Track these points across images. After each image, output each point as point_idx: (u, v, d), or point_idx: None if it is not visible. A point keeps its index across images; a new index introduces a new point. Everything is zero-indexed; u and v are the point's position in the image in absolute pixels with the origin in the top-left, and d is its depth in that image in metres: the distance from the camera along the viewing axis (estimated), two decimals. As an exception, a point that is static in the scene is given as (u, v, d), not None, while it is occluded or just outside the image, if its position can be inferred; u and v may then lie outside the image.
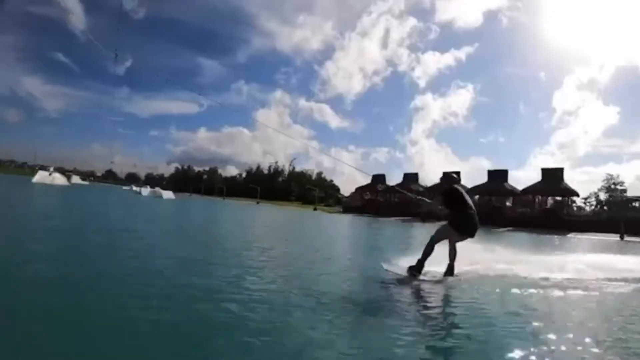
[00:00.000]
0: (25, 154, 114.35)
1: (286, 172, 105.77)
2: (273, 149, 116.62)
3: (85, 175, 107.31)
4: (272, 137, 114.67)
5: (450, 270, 6.01)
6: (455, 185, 6.19)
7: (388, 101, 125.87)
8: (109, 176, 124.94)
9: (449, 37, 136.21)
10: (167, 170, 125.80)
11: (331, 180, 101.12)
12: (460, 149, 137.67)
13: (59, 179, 51.49)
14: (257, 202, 76.05)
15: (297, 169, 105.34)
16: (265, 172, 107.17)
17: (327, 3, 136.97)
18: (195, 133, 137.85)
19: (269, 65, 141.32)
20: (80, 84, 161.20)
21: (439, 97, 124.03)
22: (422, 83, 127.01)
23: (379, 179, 70.89)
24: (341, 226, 24.71)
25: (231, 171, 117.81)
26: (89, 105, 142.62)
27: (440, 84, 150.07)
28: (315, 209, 70.88)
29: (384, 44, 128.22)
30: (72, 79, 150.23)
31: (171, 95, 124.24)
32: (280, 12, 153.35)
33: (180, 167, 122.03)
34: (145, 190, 50.32)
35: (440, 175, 9.30)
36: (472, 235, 5.96)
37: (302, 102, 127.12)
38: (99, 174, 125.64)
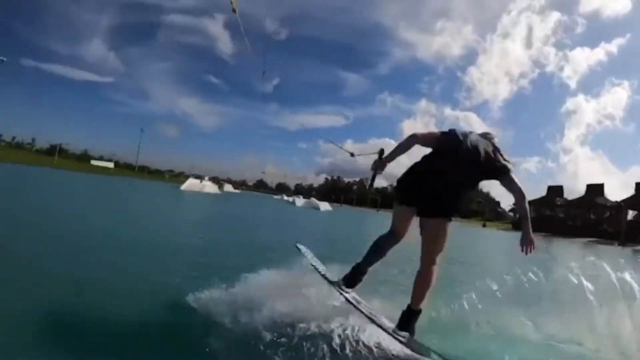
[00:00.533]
0: (183, 166, 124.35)
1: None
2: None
3: (238, 184, 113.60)
4: (420, 149, 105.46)
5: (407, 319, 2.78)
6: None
7: (537, 105, 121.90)
8: (260, 185, 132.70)
9: (597, 30, 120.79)
10: (316, 180, 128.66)
11: (488, 193, 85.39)
12: (617, 156, 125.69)
13: (209, 187, 49.45)
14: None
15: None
16: None
17: (464, 6, 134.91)
18: (342, 145, 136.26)
19: (412, 75, 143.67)
20: (232, 102, 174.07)
21: (591, 98, 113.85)
22: (572, 83, 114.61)
23: (555, 190, 63.75)
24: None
25: (380, 182, 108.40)
26: (241, 121, 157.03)
27: (592, 84, 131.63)
28: (484, 225, 62.68)
29: (528, 44, 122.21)
30: (224, 98, 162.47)
31: (318, 109, 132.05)
32: (417, 21, 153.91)
33: (329, 178, 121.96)
34: (299, 201, 48.24)
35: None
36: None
37: (448, 111, 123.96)
38: (250, 184, 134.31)
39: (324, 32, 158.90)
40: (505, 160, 2.73)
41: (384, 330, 2.72)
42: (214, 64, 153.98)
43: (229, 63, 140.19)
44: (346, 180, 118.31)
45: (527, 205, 2.66)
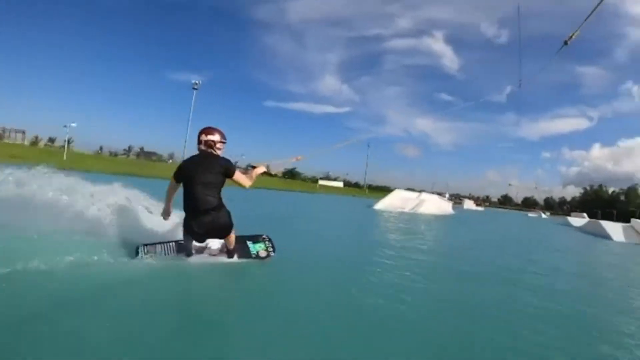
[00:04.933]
0: (424, 185, 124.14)
1: None
2: None
3: (481, 200, 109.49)
4: None
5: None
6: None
7: None
8: (505, 201, 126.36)
9: None
10: (564, 193, 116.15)
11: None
12: None
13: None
14: None
15: None
16: None
17: None
18: (588, 151, 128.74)
19: None
20: (467, 117, 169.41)
21: None
22: None
23: None
24: None
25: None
26: (478, 135, 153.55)
27: None
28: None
29: None
30: (459, 114, 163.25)
31: (555, 112, 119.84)
32: None
33: (589, 188, 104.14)
34: (578, 221, 37.70)
35: None
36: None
37: None
38: (494, 199, 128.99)
39: (548, 26, 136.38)
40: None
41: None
42: (442, 81, 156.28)
43: (457, 78, 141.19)
44: (611, 189, 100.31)
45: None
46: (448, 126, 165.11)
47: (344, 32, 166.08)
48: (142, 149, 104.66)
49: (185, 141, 54.86)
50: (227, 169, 3.92)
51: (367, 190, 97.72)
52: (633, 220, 21.19)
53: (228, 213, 4.02)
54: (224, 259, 4.49)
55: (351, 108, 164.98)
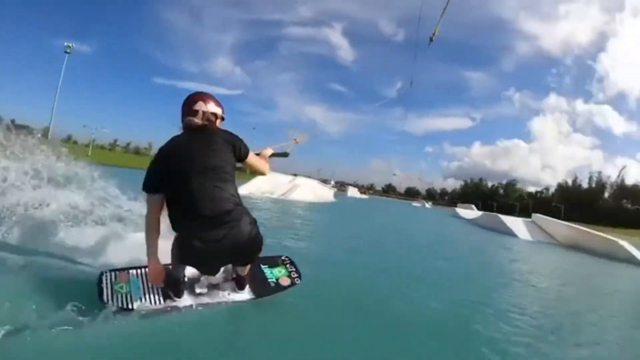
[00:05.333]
0: (310, 171, 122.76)
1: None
2: (553, 162, 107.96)
3: (365, 188, 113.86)
4: (552, 150, 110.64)
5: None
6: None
7: None
8: (389, 190, 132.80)
9: None
10: (445, 184, 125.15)
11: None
12: None
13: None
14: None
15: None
16: (586, 186, 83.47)
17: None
18: (469, 148, 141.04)
19: (538, 68, 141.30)
20: (357, 109, 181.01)
21: None
22: None
23: None
24: None
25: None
26: (366, 126, 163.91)
27: None
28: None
29: None
30: (350, 105, 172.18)
31: (442, 111, 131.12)
32: (538, 9, 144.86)
33: (469, 181, 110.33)
34: (468, 213, 34.54)
35: None
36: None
37: (580, 106, 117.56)
38: (378, 188, 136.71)
39: (443, 31, 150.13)
40: None
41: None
42: (337, 72, 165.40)
43: (351, 70, 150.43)
44: (490, 183, 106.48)
45: None
46: (338, 116, 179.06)
47: (243, 13, 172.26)
48: (13, 121, 79.25)
49: (52, 112, 39.24)
50: (238, 148, 2.39)
51: (248, 173, 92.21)
52: (534, 215, 18.91)
53: (253, 220, 2.37)
54: (232, 295, 2.76)
55: (243, 91, 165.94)
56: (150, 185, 2.22)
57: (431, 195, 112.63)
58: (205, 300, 2.60)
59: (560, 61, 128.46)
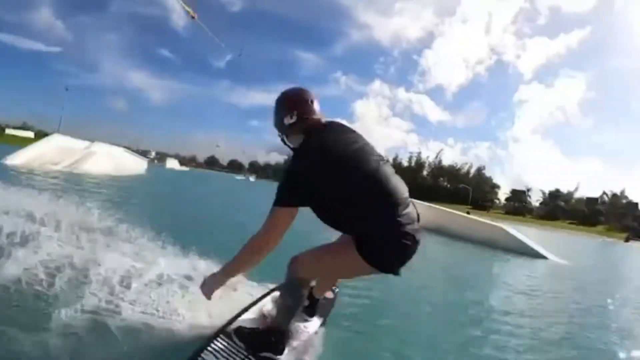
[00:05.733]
0: (131, 141, 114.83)
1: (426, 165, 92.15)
2: (372, 142, 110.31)
3: (187, 160, 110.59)
4: (371, 130, 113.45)
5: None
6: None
7: (491, 92, 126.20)
8: (212, 162, 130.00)
9: (558, 21, 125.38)
10: (268, 158, 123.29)
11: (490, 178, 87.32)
12: (567, 147, 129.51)
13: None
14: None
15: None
16: (406, 163, 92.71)
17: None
18: None
19: (367, 56, 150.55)
20: (184, 77, 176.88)
21: (545, 88, 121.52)
22: (527, 73, 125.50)
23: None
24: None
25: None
26: (192, 97, 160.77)
27: (547, 74, 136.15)
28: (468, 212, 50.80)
29: (487, 30, 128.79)
30: (176, 73, 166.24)
31: (271, 87, 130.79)
32: (377, 3, 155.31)
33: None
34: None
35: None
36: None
37: (401, 93, 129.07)
38: (200, 160, 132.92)
39: (281, 8, 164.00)
40: None
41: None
42: (167, 37, 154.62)
43: (181, 36, 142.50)
44: None
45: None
46: (163, 83, 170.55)
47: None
48: None
49: None
50: None
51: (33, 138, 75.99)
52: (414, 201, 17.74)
53: None
54: (308, 327, 2.24)
55: (63, 49, 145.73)
56: (295, 197, 1.70)
57: (254, 169, 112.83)
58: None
59: (388, 52, 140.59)
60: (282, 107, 1.96)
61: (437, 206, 15.83)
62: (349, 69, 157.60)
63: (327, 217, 1.76)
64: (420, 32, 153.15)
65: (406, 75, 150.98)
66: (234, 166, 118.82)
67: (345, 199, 1.68)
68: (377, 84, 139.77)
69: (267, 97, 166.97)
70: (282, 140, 1.97)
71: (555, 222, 64.28)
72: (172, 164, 62.32)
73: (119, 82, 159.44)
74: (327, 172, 1.67)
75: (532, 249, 11.07)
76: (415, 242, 1.69)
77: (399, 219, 1.65)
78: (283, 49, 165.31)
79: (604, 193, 76.39)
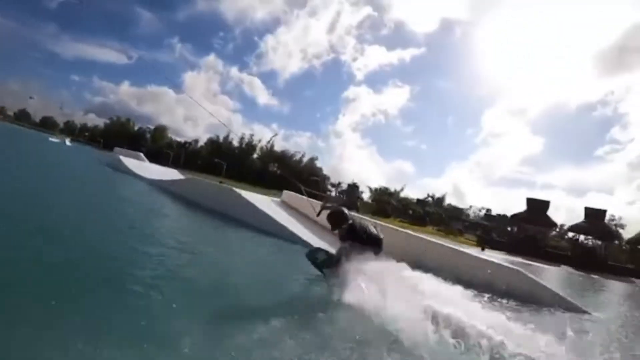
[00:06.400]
0: None
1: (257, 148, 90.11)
2: (195, 116, 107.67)
3: None
4: (196, 104, 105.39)
5: None
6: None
7: (322, 87, 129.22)
8: (22, 116, 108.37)
9: (399, 36, 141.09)
10: (85, 120, 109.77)
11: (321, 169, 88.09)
12: (384, 148, 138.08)
13: None
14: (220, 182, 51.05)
15: (260, 146, 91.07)
16: (237, 144, 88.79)
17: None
18: (117, 86, 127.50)
19: (208, 27, 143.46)
20: (6, 13, 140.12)
21: (373, 93, 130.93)
22: (360, 75, 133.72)
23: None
24: None
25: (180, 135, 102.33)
26: (11, 37, 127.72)
27: (377, 80, 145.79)
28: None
29: (332, 28, 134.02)
30: None
31: (101, 41, 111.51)
32: None
33: (115, 119, 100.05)
34: (143, 167, 24.10)
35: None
36: None
37: (234, 72, 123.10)
38: (9, 113, 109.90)
39: None
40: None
41: None
42: None
43: None
44: (139, 125, 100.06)
45: None
46: None
47: None
48: None
49: None
50: None
51: None
52: (285, 192, 15.46)
53: None
54: None
55: None
56: None
57: (70, 130, 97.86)
58: None
59: (230, 28, 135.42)
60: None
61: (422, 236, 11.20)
62: (186, 37, 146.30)
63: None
64: (267, 15, 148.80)
65: (243, 55, 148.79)
66: (48, 124, 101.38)
67: None
68: (211, 58, 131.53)
69: (94, 51, 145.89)
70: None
71: (386, 218, 65.87)
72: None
73: None
74: None
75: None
76: None
77: None
78: (122, 2, 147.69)
79: (429, 196, 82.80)
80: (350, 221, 5.68)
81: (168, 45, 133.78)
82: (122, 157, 24.49)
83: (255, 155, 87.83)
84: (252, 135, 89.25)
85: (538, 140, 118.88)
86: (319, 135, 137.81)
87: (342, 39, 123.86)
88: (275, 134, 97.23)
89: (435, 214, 73.62)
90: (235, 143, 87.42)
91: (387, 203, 77.05)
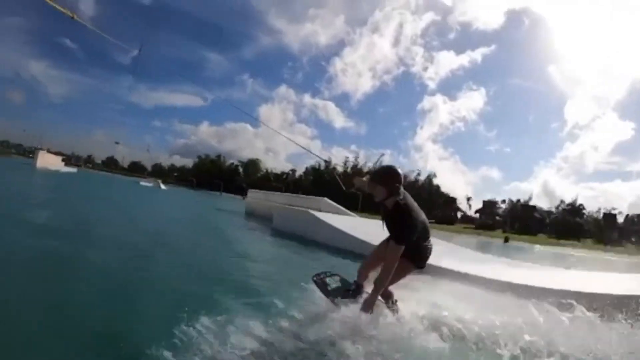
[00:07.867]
0: (23, 137, 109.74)
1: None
2: (275, 147, 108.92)
3: (84, 161, 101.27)
4: (274, 135, 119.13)
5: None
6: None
7: (396, 102, 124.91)
8: (110, 163, 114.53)
9: (466, 37, 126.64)
10: (171, 161, 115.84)
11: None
12: (467, 156, 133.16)
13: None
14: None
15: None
16: (341, 169, 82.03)
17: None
18: (197, 127, 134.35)
19: (275, 61, 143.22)
20: (85, 71, 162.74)
21: (448, 100, 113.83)
22: (432, 84, 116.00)
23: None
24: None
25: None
26: (93, 92, 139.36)
27: (451, 86, 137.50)
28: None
29: (397, 41, 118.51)
30: (78, 66, 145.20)
31: (175, 87, 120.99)
32: (290, 10, 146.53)
33: (203, 156, 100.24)
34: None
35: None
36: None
37: (307, 99, 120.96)
38: (98, 161, 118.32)
39: (192, 5, 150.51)
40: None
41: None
42: (71, 25, 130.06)
43: (87, 27, 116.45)
44: (230, 161, 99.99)
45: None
46: (61, 75, 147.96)
47: None
48: None
49: None
50: None
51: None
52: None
53: None
54: None
55: None
56: (411, 238, 3.24)
57: (159, 172, 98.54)
58: None
59: (297, 57, 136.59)
60: (398, 177, 3.25)
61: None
62: (256, 72, 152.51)
63: (409, 244, 3.23)
64: (330, 39, 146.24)
65: (313, 81, 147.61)
66: (136, 169, 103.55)
67: (423, 239, 3.41)
68: (283, 89, 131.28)
69: (171, 98, 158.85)
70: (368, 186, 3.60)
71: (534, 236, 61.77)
72: (48, 160, 43.68)
73: (15, 70, 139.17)
74: (422, 229, 3.33)
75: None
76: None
77: (429, 246, 3.51)
78: (190, 49, 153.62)
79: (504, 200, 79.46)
80: (402, 197, 3.31)
81: (240, 82, 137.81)
82: (317, 214, 11.84)
83: (364, 179, 79.36)
84: (356, 158, 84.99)
85: (627, 125, 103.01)
86: (400, 152, 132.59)
87: (409, 50, 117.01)
88: (383, 154, 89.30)
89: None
90: (340, 169, 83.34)
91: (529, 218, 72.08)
